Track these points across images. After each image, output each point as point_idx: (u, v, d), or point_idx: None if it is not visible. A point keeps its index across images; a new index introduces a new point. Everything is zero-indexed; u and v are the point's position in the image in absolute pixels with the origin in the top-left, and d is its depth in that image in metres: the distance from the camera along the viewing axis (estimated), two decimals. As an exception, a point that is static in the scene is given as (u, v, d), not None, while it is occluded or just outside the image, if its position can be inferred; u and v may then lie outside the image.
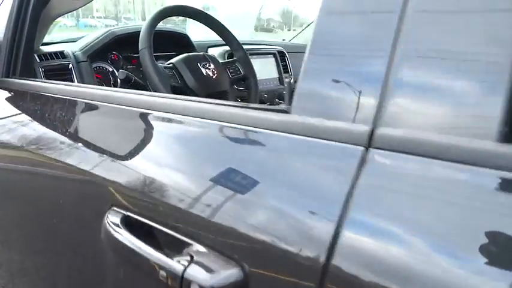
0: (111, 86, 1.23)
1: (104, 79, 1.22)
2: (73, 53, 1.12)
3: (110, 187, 0.52)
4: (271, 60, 1.67)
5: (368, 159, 0.33)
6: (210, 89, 1.09)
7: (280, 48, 1.73)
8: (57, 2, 0.93)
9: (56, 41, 1.32)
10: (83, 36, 1.41)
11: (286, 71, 1.72)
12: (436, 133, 0.31)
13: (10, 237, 0.83)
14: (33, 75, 0.96)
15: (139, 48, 0.98)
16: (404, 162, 0.32)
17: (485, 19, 0.31)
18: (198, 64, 1.10)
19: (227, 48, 1.38)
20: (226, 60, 1.24)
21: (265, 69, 1.61)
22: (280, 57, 1.70)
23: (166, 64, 1.08)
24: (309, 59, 0.39)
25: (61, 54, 1.08)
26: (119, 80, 1.03)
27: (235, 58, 1.26)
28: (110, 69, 1.24)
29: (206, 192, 0.42)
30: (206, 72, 1.10)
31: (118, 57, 1.26)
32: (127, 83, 1.05)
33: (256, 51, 1.60)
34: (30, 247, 0.77)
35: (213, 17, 1.20)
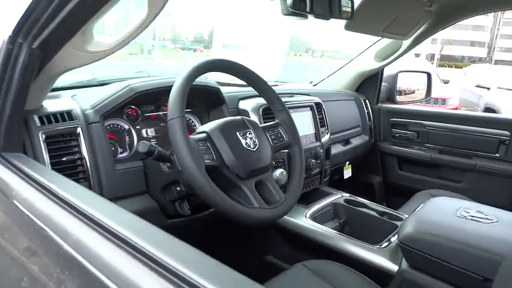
0: (125, 149, 1.00)
1: (118, 140, 1.00)
2: (83, 112, 0.90)
3: None
4: (307, 114, 1.46)
5: None
6: (250, 166, 0.87)
7: (317, 100, 1.52)
8: (61, 60, 0.73)
9: (66, 86, 1.11)
10: (95, 80, 1.22)
11: (322, 124, 1.51)
12: None
13: None
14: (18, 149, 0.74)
15: (168, 119, 0.77)
16: None
17: None
18: (238, 134, 0.88)
19: (262, 101, 1.16)
20: (267, 124, 1.02)
21: (300, 124, 1.39)
22: (317, 109, 1.49)
23: (198, 135, 0.86)
24: None
25: (68, 115, 0.86)
26: (138, 150, 0.81)
27: (277, 121, 1.04)
28: (126, 127, 1.02)
29: None
30: (247, 144, 0.88)
31: (136, 112, 1.04)
32: (148, 156, 0.83)
33: (292, 104, 1.38)
34: None
35: (248, 70, 0.99)
